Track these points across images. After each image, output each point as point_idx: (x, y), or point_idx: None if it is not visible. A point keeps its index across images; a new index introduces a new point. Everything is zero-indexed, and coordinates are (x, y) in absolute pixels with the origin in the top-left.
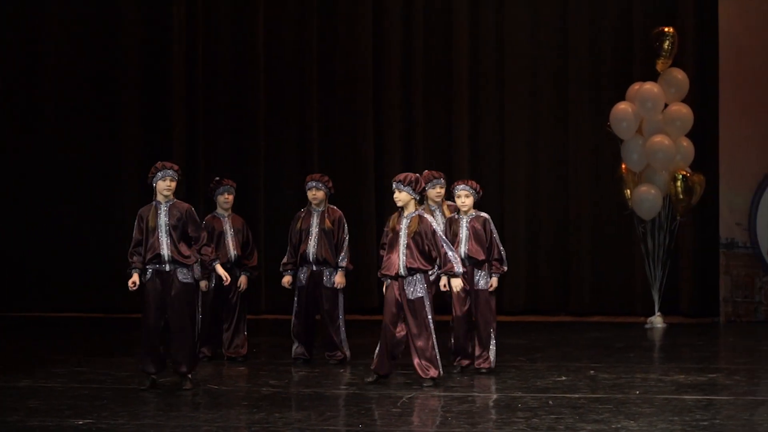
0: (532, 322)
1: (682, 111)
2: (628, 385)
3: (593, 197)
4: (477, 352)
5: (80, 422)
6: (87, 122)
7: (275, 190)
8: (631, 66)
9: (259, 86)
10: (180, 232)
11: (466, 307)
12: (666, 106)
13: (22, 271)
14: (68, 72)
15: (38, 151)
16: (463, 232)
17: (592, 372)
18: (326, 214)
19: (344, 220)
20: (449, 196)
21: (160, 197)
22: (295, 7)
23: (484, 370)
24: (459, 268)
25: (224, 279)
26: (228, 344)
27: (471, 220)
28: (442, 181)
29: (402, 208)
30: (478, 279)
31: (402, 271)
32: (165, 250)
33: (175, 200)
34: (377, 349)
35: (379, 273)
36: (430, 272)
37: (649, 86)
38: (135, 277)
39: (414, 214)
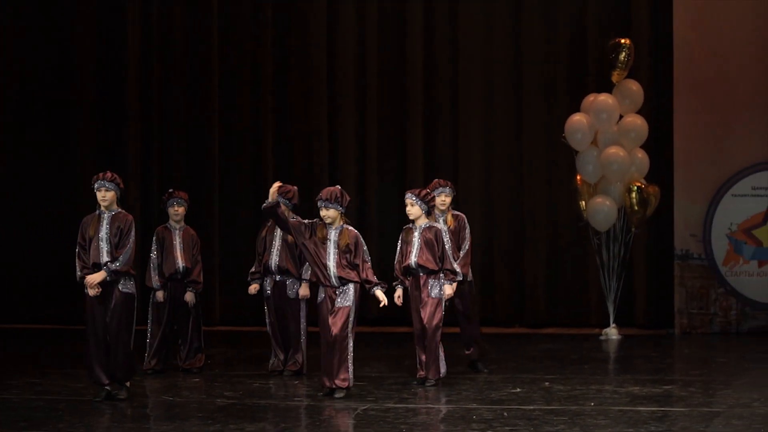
0: (487, 333)
1: (637, 122)
2: (583, 397)
3: (548, 209)
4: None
5: None
6: (41, 132)
7: (230, 203)
8: (585, 77)
9: (214, 106)
10: (119, 241)
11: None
12: (621, 117)
13: None
14: (18, 79)
15: None
16: (415, 242)
17: (546, 384)
18: None
19: (316, 222)
20: (457, 205)
21: (102, 207)
22: (249, 22)
23: (432, 381)
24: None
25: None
26: (183, 357)
27: (423, 230)
28: (447, 189)
29: (330, 223)
30: (431, 288)
31: (335, 281)
32: (104, 260)
33: (119, 210)
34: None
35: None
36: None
37: (604, 98)
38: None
39: (342, 227)
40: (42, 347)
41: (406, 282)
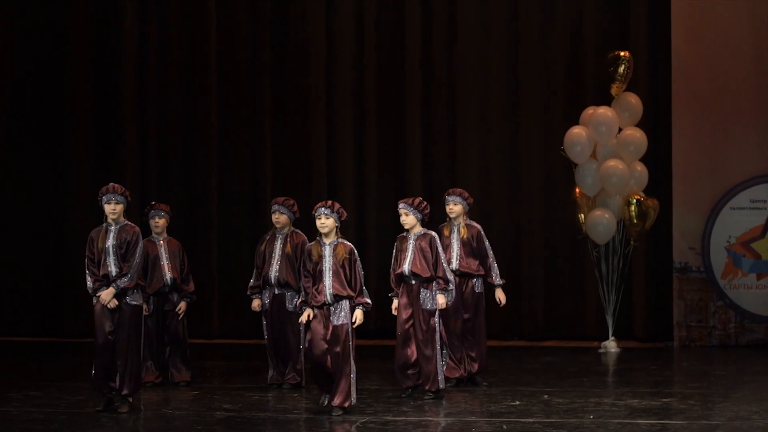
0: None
1: (636, 135)
2: (582, 410)
3: (547, 221)
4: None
5: None
6: (35, 142)
7: (228, 215)
8: (584, 90)
9: (211, 118)
10: (126, 254)
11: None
12: (620, 130)
13: None
14: (11, 88)
15: None
16: (409, 250)
17: (545, 396)
18: (289, 239)
19: (307, 246)
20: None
21: (109, 219)
22: (247, 31)
23: (431, 393)
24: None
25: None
26: (172, 370)
27: (418, 238)
28: (456, 198)
29: (326, 234)
30: (423, 298)
31: (329, 299)
32: (113, 272)
33: (126, 222)
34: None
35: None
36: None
37: (603, 110)
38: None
39: (337, 241)
40: (40, 360)
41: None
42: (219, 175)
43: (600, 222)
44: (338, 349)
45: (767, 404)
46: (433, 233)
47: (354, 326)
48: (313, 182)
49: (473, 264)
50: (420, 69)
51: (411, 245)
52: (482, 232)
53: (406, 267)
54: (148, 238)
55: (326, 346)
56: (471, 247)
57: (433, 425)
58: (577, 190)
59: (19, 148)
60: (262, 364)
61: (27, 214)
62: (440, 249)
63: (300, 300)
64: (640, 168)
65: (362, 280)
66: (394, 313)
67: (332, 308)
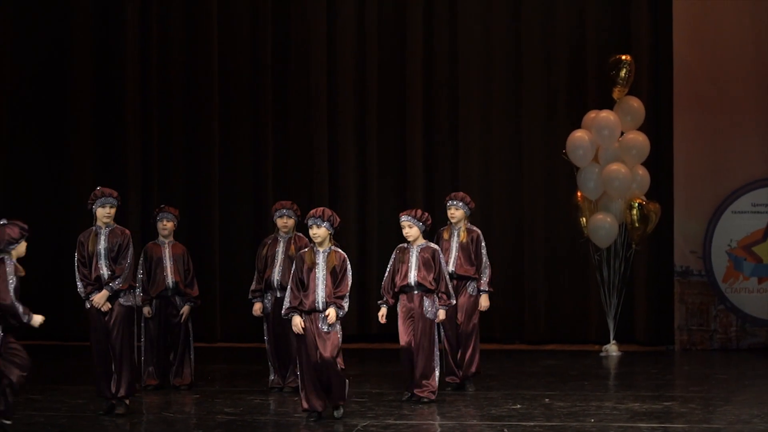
0: (487, 350)
1: (639, 139)
2: (583, 414)
3: (548, 225)
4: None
5: None
6: (36, 145)
7: (230, 219)
8: (586, 94)
9: (213, 113)
10: (117, 256)
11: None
12: (622, 134)
13: None
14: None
15: None
16: (413, 262)
17: (547, 400)
18: (293, 241)
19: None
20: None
21: (99, 223)
22: (248, 28)
23: (425, 400)
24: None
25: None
26: (174, 373)
27: (421, 250)
28: (457, 203)
29: (319, 242)
30: (426, 308)
31: (320, 306)
32: (105, 275)
33: (116, 226)
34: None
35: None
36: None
37: (606, 114)
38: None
39: (330, 249)
40: (41, 363)
41: (390, 301)
42: (220, 177)
43: (602, 225)
44: (328, 355)
45: None
46: (436, 246)
47: (326, 320)
48: (315, 184)
49: (470, 268)
50: (422, 71)
51: (415, 257)
52: (481, 237)
53: (412, 278)
54: (154, 241)
55: (317, 352)
56: (469, 252)
57: (434, 429)
58: (579, 193)
59: (19, 149)
60: (264, 367)
61: (28, 215)
62: (443, 263)
63: (287, 307)
64: (642, 172)
65: (347, 290)
66: (382, 321)
67: (321, 315)
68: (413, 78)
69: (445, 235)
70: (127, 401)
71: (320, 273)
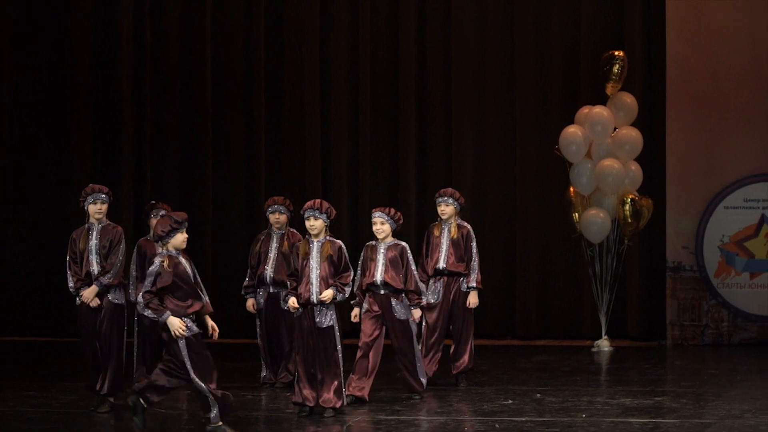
0: (478, 345)
1: (632, 135)
2: (575, 409)
3: (541, 220)
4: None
5: None
6: (33, 143)
7: (222, 215)
8: (579, 89)
9: (207, 111)
10: (108, 253)
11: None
12: (615, 129)
13: None
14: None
15: None
16: (380, 260)
17: (538, 395)
18: (286, 237)
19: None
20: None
21: (92, 219)
22: (242, 28)
23: (416, 396)
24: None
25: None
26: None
27: (389, 248)
28: (447, 199)
29: (315, 234)
30: (395, 308)
31: (314, 299)
32: (95, 271)
33: (108, 222)
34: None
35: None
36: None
37: (599, 110)
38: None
39: (325, 239)
40: (35, 360)
41: (364, 301)
42: (214, 175)
43: (594, 221)
44: (324, 350)
45: (759, 403)
46: (404, 244)
47: (322, 299)
48: (308, 182)
49: (461, 264)
50: (415, 67)
51: (381, 255)
52: (472, 233)
53: (378, 276)
54: (146, 237)
55: (312, 346)
56: (460, 247)
57: (425, 424)
58: (572, 189)
59: (18, 149)
60: (255, 363)
61: (27, 214)
62: (411, 260)
63: (288, 290)
64: (635, 167)
65: (350, 279)
66: (354, 320)
67: (317, 309)
68: (406, 74)
69: (436, 232)
70: (112, 399)
71: (315, 264)
